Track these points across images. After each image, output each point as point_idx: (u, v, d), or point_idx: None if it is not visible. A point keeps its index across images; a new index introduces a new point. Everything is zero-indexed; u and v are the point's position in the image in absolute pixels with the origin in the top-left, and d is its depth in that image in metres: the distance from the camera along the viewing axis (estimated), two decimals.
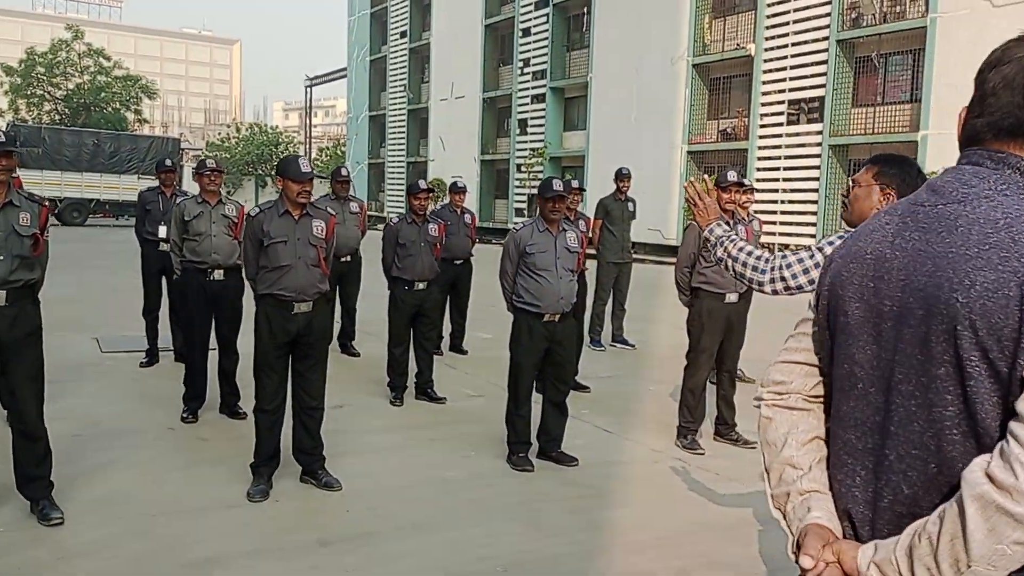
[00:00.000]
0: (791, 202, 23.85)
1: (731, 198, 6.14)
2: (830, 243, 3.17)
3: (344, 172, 8.80)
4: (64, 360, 8.13)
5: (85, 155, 33.75)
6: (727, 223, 6.02)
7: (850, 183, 3.07)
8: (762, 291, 3.17)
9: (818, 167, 23.00)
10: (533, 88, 34.60)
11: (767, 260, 3.13)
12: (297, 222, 4.83)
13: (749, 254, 3.18)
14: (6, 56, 57.42)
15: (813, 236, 22.84)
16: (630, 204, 9.90)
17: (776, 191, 24.30)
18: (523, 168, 33.98)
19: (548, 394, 5.66)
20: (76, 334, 9.50)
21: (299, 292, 4.80)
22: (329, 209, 8.40)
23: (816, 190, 23.05)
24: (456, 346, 9.44)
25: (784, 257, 3.09)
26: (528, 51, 34.75)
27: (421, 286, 7.02)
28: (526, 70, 34.95)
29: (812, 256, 3.18)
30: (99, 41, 57.88)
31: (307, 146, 59.62)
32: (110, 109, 49.51)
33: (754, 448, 6.10)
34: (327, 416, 6.33)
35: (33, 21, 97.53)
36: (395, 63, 45.26)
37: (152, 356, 8.10)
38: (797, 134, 23.71)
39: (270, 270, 4.79)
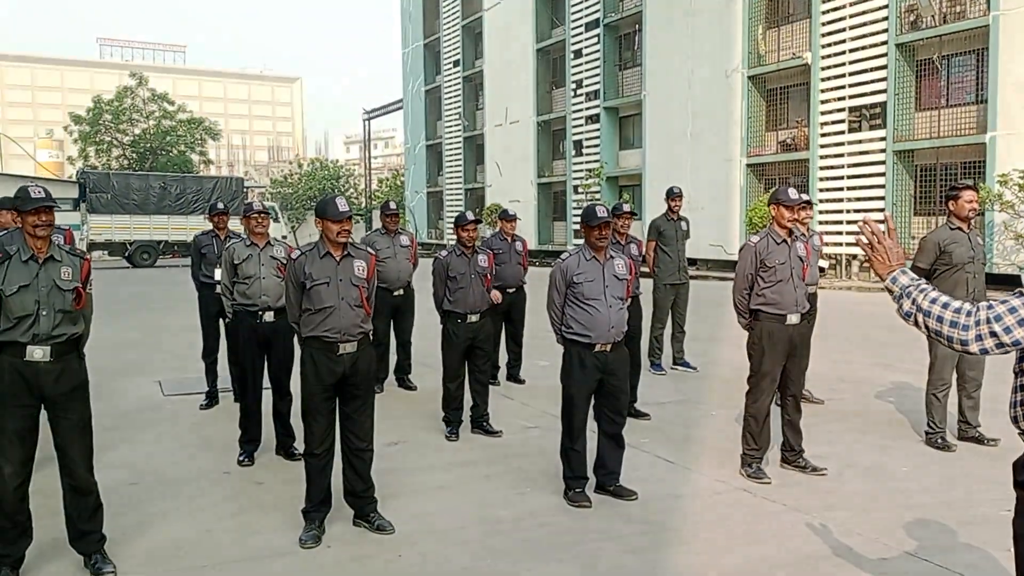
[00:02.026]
0: (857, 211, 23.24)
1: (795, 216, 5.92)
2: None
3: (392, 206, 8.77)
4: (126, 406, 8.26)
5: (152, 198, 34.71)
6: (787, 241, 5.82)
7: None
8: (967, 351, 2.59)
9: (883, 174, 22.39)
10: (587, 109, 34.52)
11: (968, 313, 2.59)
12: (339, 263, 4.77)
13: (945, 307, 2.64)
14: (76, 105, 59.51)
15: None
16: (683, 223, 9.70)
17: (840, 200, 23.73)
18: (580, 189, 33.86)
19: (603, 426, 5.49)
20: (139, 377, 9.65)
21: (343, 333, 4.74)
22: (375, 245, 8.50)
23: (883, 198, 22.43)
24: (513, 375, 9.32)
25: (991, 308, 2.55)
26: (580, 72, 34.71)
27: (474, 318, 6.92)
28: (579, 91, 34.89)
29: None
30: (164, 85, 59.78)
31: (367, 178, 60.40)
32: (175, 152, 50.96)
33: (824, 475, 5.85)
34: (381, 454, 6.28)
35: (100, 70, 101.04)
36: (449, 92, 45.65)
37: (212, 398, 8.15)
38: (859, 141, 23.15)
39: (313, 312, 4.74)
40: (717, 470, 5.99)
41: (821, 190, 24.13)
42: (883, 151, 22.32)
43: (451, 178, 45.94)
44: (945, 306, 2.59)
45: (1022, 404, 2.59)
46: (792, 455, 6.01)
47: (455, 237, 7.17)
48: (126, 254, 34.32)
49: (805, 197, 5.78)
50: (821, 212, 24.05)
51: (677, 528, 4.90)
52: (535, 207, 37.65)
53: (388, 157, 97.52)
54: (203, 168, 54.69)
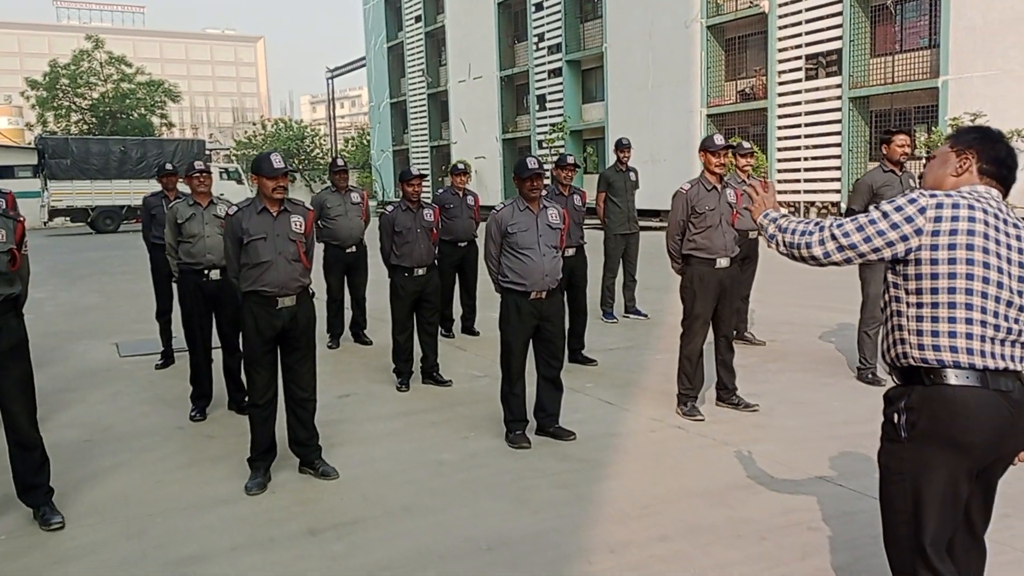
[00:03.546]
0: (814, 159, 23.51)
1: (722, 162, 6.08)
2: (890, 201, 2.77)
3: (340, 163, 8.85)
4: (82, 367, 8.35)
5: (113, 163, 34.24)
6: (716, 188, 6.00)
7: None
8: (812, 255, 2.78)
9: (839, 121, 22.64)
10: (549, 63, 34.43)
11: (817, 224, 2.84)
12: (275, 218, 4.88)
13: (799, 223, 2.90)
14: (34, 70, 58.31)
15: (838, 191, 22.52)
16: (632, 174, 9.83)
17: (798, 148, 23.97)
18: (544, 144, 33.87)
19: (541, 370, 5.68)
20: (97, 340, 9.73)
21: (281, 287, 4.86)
22: (326, 203, 8.58)
23: (839, 144, 22.70)
24: (467, 328, 9.49)
25: (839, 220, 2.81)
26: (542, 25, 34.55)
27: (420, 272, 7.06)
28: (541, 45, 34.76)
29: (868, 215, 2.76)
30: (124, 48, 58.63)
31: (332, 137, 59.89)
32: (136, 115, 50.16)
33: (756, 411, 6.10)
34: (332, 405, 6.49)
35: (58, 33, 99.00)
36: (412, 48, 45.26)
37: (167, 358, 8.25)
38: (816, 89, 23.36)
39: (251, 267, 4.86)
40: (654, 410, 6.22)
41: (779, 138, 24.38)
42: (839, 98, 22.55)
43: (416, 136, 45.74)
44: (799, 223, 2.85)
45: (886, 338, 2.79)
46: (726, 393, 6.25)
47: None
48: (88, 220, 33.92)
49: (722, 142, 5.93)
50: (780, 160, 24.31)
51: (609, 464, 5.12)
52: (500, 163, 37.64)
53: (356, 116, 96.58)
54: (165, 131, 53.93)
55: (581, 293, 7.80)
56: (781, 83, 24.29)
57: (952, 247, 2.55)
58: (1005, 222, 2.62)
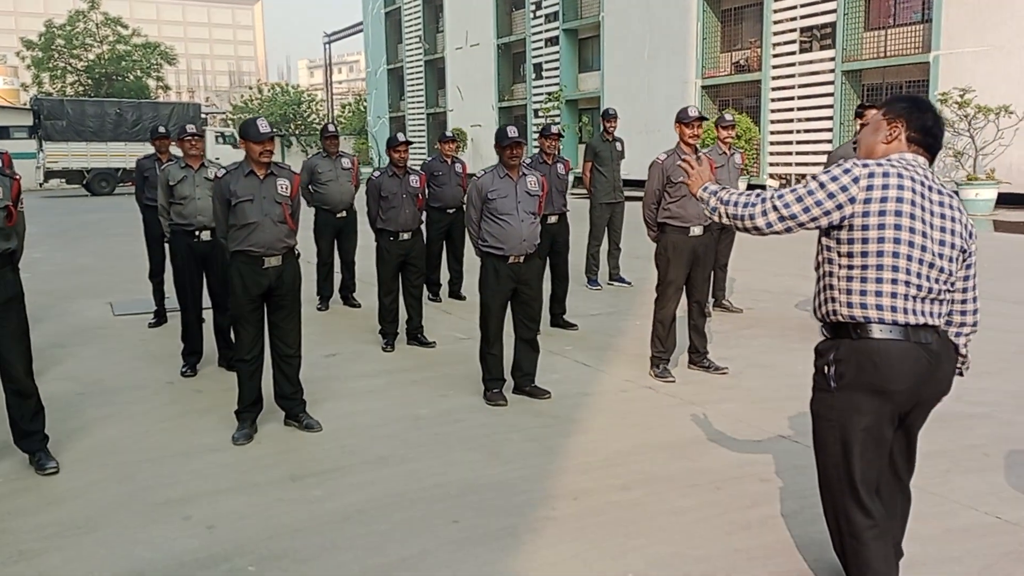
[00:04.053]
0: (806, 131, 23.64)
1: (696, 133, 6.27)
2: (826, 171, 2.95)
3: (332, 129, 9.02)
4: (76, 325, 8.57)
5: (108, 125, 34.25)
6: (693, 159, 6.20)
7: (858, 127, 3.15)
8: (755, 226, 2.99)
9: (831, 94, 22.74)
10: (546, 31, 34.37)
11: (759, 195, 3.02)
12: (262, 181, 5.08)
13: (741, 195, 3.08)
14: (30, 30, 57.95)
15: None
16: (618, 144, 10.01)
17: (791, 120, 24.09)
18: (540, 113, 33.90)
19: (518, 332, 5.91)
20: (91, 300, 9.94)
21: (267, 247, 5.07)
22: (317, 168, 8.76)
23: (831, 118, 22.81)
24: (455, 292, 9.71)
25: (780, 191, 2.98)
26: None
27: (405, 236, 7.26)
28: (538, 13, 34.68)
29: (806, 186, 2.95)
30: (121, 10, 58.33)
31: (329, 103, 59.68)
32: (131, 78, 49.97)
33: (725, 373, 6.34)
34: (318, 364, 6.72)
35: None
36: (410, 14, 45.07)
37: (160, 317, 8.47)
38: (810, 62, 23.41)
39: (239, 228, 5.06)
40: (628, 372, 6.46)
41: (773, 111, 24.48)
42: (832, 71, 22.63)
43: (413, 103, 45.67)
44: (741, 194, 3.06)
45: (818, 296, 3.01)
46: (697, 356, 6.49)
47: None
48: (84, 182, 34.00)
49: (696, 114, 6.12)
50: (772, 132, 24.43)
51: (579, 420, 5.36)
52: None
53: (353, 82, 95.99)
54: (161, 94, 53.76)
55: (563, 260, 8.01)
56: (776, 55, 24.35)
57: (882, 214, 2.77)
58: (930, 189, 2.84)
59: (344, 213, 9.08)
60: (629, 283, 10.23)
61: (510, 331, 5.92)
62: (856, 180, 2.80)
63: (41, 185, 34.13)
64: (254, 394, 5.22)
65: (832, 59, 22.66)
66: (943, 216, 2.84)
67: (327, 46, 58.14)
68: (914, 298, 2.79)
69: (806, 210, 2.87)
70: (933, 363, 2.82)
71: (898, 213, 2.77)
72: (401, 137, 7.31)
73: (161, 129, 8.29)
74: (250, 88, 71.55)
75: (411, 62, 45.55)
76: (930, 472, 4.39)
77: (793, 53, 23.91)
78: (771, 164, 24.63)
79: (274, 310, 5.22)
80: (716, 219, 3.11)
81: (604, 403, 5.74)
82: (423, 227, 7.67)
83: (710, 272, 6.53)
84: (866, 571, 2.89)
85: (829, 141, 22.72)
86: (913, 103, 2.94)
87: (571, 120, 32.68)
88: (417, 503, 4.16)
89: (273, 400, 5.40)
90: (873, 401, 2.83)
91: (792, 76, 23.97)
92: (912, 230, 2.77)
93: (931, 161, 2.93)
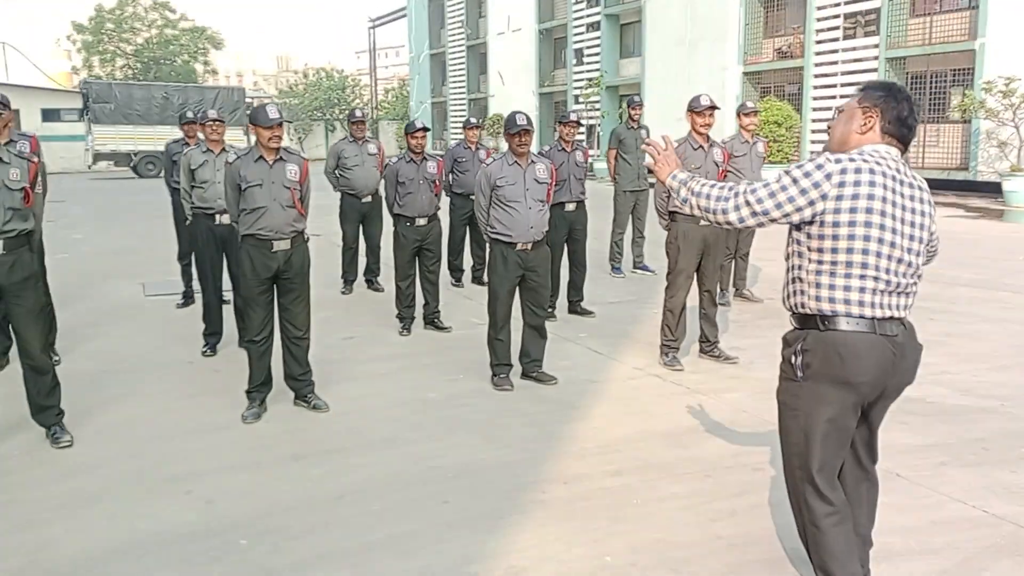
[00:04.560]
0: None
1: (707, 122, 6.26)
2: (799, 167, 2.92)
3: (358, 114, 9.13)
4: (108, 305, 8.81)
5: (155, 108, 34.82)
6: (703, 147, 6.20)
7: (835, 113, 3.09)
8: (728, 221, 2.98)
9: None
10: (588, 16, 34.20)
11: (731, 189, 2.98)
12: (271, 166, 5.19)
13: (713, 187, 3.03)
14: (79, 15, 59.09)
15: None
16: (643, 132, 9.99)
17: (833, 108, 23.72)
18: (580, 99, 33.78)
19: (526, 318, 5.97)
20: (126, 280, 10.20)
21: (276, 231, 5.19)
22: (343, 154, 8.87)
23: None
24: (477, 278, 9.78)
25: (753, 186, 2.93)
26: None
27: (422, 222, 7.34)
28: None
29: (779, 181, 2.91)
30: None
31: (373, 88, 60.00)
32: (179, 62, 50.72)
33: (735, 363, 6.35)
34: (335, 346, 6.86)
35: None
36: None
37: (188, 298, 8.67)
38: (854, 48, 23.03)
39: (248, 212, 5.18)
40: (639, 360, 6.50)
41: (815, 98, 24.15)
42: (875, 58, 22.25)
43: (455, 88, 45.76)
44: (713, 186, 3.02)
45: (787, 287, 3.03)
46: (708, 346, 6.50)
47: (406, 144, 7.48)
48: (131, 164, 34.62)
49: (708, 103, 6.12)
50: (814, 120, 24.11)
51: (582, 407, 5.42)
52: (537, 117, 37.52)
53: (399, 67, 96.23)
54: (208, 78, 54.47)
55: (581, 247, 8.03)
56: (819, 41, 23.99)
57: (853, 210, 2.78)
58: (901, 183, 2.84)
59: (369, 198, 9.19)
60: (653, 271, 10.23)
61: (520, 317, 5.98)
62: (829, 176, 2.80)
63: (90, 167, 34.84)
64: (263, 374, 5.35)
65: (876, 46, 22.27)
66: (913, 211, 2.84)
67: (371, 31, 58.44)
68: (882, 292, 2.80)
69: (778, 206, 2.87)
70: (898, 355, 2.83)
71: (869, 210, 2.77)
72: (419, 123, 7.39)
73: (188, 114, 8.46)
74: (295, 72, 72.16)
75: (453, 47, 45.62)
76: (923, 464, 4.40)
77: (836, 40, 23.54)
78: (812, 152, 24.30)
79: (283, 293, 5.34)
80: (687, 210, 3.10)
81: (610, 390, 5.79)
82: (442, 212, 7.74)
83: (721, 261, 6.52)
84: (826, 557, 2.92)
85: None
86: (889, 91, 2.93)
87: (611, 106, 32.51)
88: (412, 484, 4.25)
89: (283, 380, 5.53)
90: (838, 392, 2.85)
91: (835, 63, 23.60)
92: (882, 227, 2.78)
93: (904, 151, 2.93)
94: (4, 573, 3.44)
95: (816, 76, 24.13)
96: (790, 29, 25.66)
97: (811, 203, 2.81)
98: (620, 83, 33.05)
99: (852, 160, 2.82)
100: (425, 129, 7.40)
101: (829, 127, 3.09)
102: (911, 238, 2.82)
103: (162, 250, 12.33)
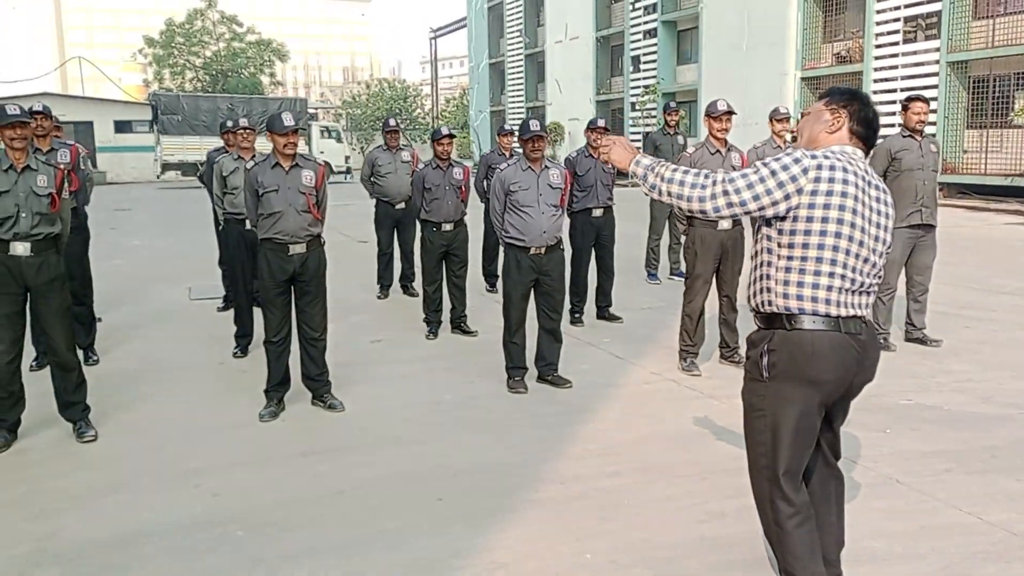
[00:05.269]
0: None
1: (724, 127, 6.25)
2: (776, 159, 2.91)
3: (392, 123, 9.29)
4: (154, 308, 9.12)
5: (221, 119, 35.59)
6: (720, 152, 6.20)
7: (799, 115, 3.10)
8: (703, 210, 2.91)
9: (936, 86, 21.83)
10: (645, 23, 34.09)
11: (708, 176, 2.92)
12: (287, 172, 5.35)
13: (686, 173, 2.95)
14: (150, 28, 60.87)
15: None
16: (680, 138, 9.98)
17: (893, 113, 23.22)
18: (637, 107, 33.66)
19: (541, 322, 6.03)
20: (174, 284, 10.52)
21: (292, 235, 5.34)
22: (377, 161, 9.03)
23: (935, 111, 21.90)
24: None
25: (731, 175, 2.88)
26: None
27: (448, 227, 7.46)
28: (637, 5, 34.40)
29: (757, 172, 2.88)
30: (239, 6, 60.49)
31: (434, 97, 60.66)
32: (246, 74, 51.94)
33: None
34: (361, 349, 7.00)
35: None
36: (511, 8, 45.34)
37: (228, 301, 8.89)
38: (915, 52, 22.55)
39: (266, 216, 5.35)
40: (658, 365, 6.50)
41: (877, 103, 23.61)
42: (937, 63, 21.75)
43: (513, 97, 45.95)
44: (686, 173, 2.96)
45: (753, 285, 3.04)
46: (727, 351, 6.48)
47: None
48: (198, 174, 35.46)
49: (726, 107, 6.11)
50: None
51: (594, 410, 5.45)
52: None
53: (462, 77, 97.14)
54: (274, 90, 55.68)
55: (608, 253, 8.04)
56: (878, 46, 23.54)
57: (827, 207, 2.79)
58: (869, 184, 2.85)
59: (403, 205, 9.32)
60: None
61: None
62: (805, 171, 2.82)
63: (158, 177, 35.85)
64: (280, 374, 5.51)
65: (937, 50, 21.77)
66: (879, 212, 2.85)
67: (433, 41, 59.10)
68: (848, 291, 2.82)
69: (755, 198, 2.88)
70: (861, 353, 2.85)
71: (841, 208, 2.78)
72: (444, 130, 7.51)
73: (229, 123, 8.70)
74: (358, 83, 73.35)
75: (512, 56, 45.86)
76: (925, 471, 4.34)
77: (896, 44, 23.07)
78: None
79: (300, 295, 5.49)
80: (655, 196, 3.05)
81: (623, 394, 5.81)
82: (476, 218, 7.82)
83: (740, 266, 6.49)
84: (789, 558, 2.92)
85: (933, 135, 21.84)
86: (854, 95, 2.95)
87: None
88: (412, 482, 4.35)
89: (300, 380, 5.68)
90: (804, 391, 2.86)
91: (895, 67, 23.14)
92: (852, 225, 2.79)
93: (866, 153, 2.94)
94: (13, 558, 3.62)
95: (876, 81, 23.68)
96: (849, 33, 25.24)
97: (787, 196, 2.81)
98: (677, 89, 32.84)
99: (827, 157, 2.84)
100: (451, 136, 7.51)
101: (793, 131, 3.09)
102: (876, 239, 2.84)
103: (211, 255, 12.69)
